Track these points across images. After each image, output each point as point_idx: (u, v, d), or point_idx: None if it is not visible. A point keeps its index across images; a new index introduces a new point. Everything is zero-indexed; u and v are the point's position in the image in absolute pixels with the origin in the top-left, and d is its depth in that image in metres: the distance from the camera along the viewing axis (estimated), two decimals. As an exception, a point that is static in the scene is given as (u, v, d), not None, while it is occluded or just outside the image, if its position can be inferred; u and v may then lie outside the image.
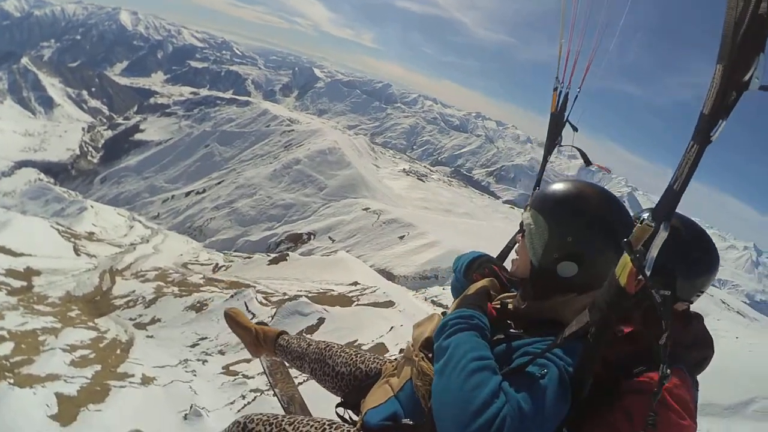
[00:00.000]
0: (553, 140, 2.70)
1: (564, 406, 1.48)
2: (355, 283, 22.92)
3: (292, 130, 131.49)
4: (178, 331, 18.39)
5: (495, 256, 2.43)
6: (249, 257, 52.68)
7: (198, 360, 14.57)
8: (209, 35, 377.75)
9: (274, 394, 3.29)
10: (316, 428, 2.03)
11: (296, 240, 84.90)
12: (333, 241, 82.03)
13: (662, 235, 1.23)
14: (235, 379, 11.98)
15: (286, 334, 3.05)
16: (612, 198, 1.77)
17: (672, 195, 1.19)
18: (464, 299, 1.86)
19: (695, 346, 1.89)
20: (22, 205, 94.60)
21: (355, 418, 2.28)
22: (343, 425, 2.08)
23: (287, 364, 3.14)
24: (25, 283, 29.02)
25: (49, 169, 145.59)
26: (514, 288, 2.03)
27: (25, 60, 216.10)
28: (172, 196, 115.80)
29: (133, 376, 12.76)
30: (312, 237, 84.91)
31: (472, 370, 1.46)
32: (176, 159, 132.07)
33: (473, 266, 2.26)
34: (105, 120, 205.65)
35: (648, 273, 1.26)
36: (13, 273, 30.21)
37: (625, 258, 1.29)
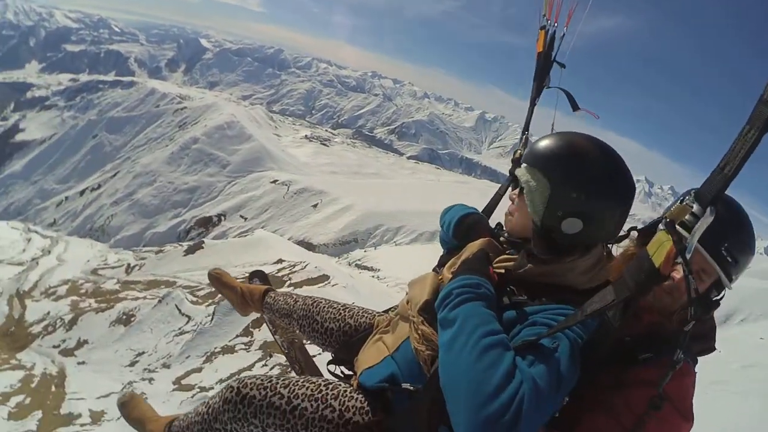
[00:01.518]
0: (541, 81, 2.55)
1: (574, 378, 1.48)
2: (280, 261, 21.95)
3: (185, 107, 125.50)
4: (110, 351, 17.28)
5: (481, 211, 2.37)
6: (161, 251, 50.58)
7: (143, 379, 13.60)
8: (84, 14, 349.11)
9: (275, 341, 3.33)
10: (311, 389, 2.00)
11: (206, 224, 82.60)
12: (245, 219, 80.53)
13: (707, 220, 1.17)
14: (193, 394, 11.03)
15: (273, 291, 3.05)
16: (610, 149, 1.73)
17: (721, 178, 1.12)
18: (465, 264, 1.78)
19: (703, 338, 1.88)
20: None
21: (347, 372, 2.35)
22: (339, 385, 2.05)
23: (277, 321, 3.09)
24: None
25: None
26: (513, 249, 1.95)
27: None
28: (66, 198, 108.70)
29: (80, 416, 11.80)
30: (223, 218, 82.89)
31: (484, 347, 1.41)
32: (64, 156, 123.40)
33: (463, 226, 2.18)
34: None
35: (689, 257, 1.21)
36: None
37: (662, 236, 1.24)
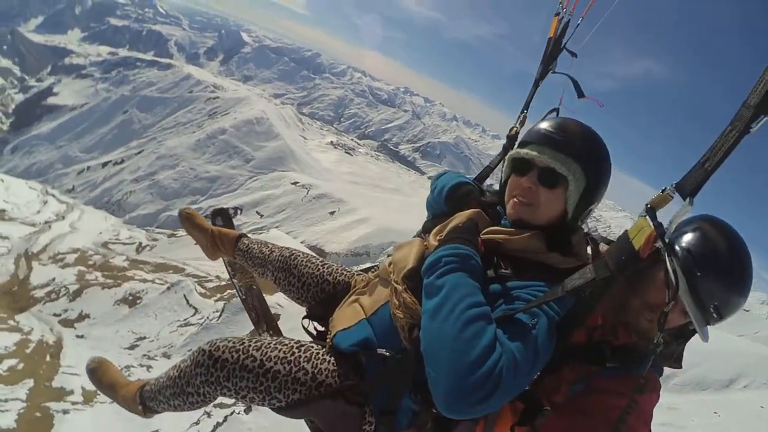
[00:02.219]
0: (547, 65, 2.59)
1: (549, 353, 1.53)
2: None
3: (217, 97, 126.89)
4: (111, 330, 17.20)
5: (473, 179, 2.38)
6: (173, 234, 50.57)
7: (141, 365, 13.63)
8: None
9: (233, 285, 3.23)
10: (284, 352, 1.98)
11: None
12: (261, 216, 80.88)
13: (686, 210, 1.23)
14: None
15: (247, 238, 2.89)
16: (586, 130, 1.86)
17: (701, 173, 1.19)
18: (455, 232, 1.78)
19: (673, 358, 1.92)
20: None
21: (320, 329, 2.31)
22: (312, 347, 2.04)
23: (248, 269, 2.89)
24: None
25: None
26: (506, 223, 1.95)
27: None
28: (88, 167, 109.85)
29: (72, 393, 11.92)
30: (239, 212, 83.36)
31: (469, 318, 1.45)
32: (92, 126, 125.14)
33: (457, 193, 2.16)
34: (16, 81, 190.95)
35: (667, 241, 1.27)
36: None
37: (642, 222, 1.31)
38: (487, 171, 2.47)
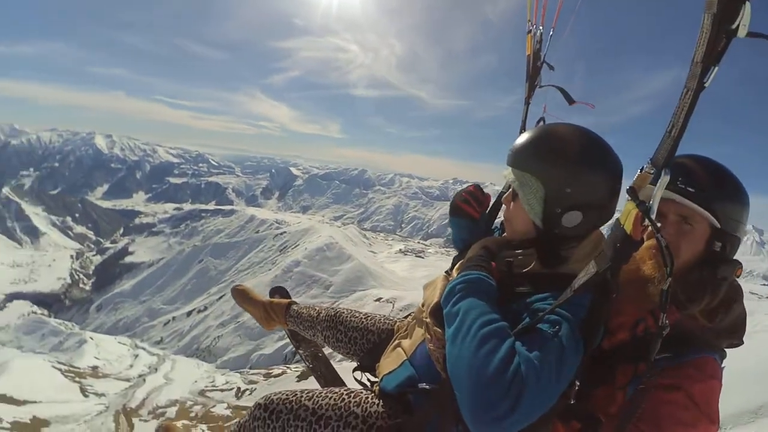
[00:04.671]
0: (532, 83, 2.61)
1: (577, 360, 1.50)
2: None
3: (284, 232, 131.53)
4: None
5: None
6: (269, 373, 50.48)
7: None
8: (184, 150, 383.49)
9: (299, 356, 3.32)
10: (335, 399, 2.06)
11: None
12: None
13: (664, 180, 1.27)
14: None
15: (296, 304, 3.07)
16: (586, 130, 1.78)
17: (669, 141, 1.24)
18: (468, 261, 1.84)
19: (728, 334, 1.79)
20: (18, 341, 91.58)
21: (373, 379, 2.33)
22: (361, 393, 2.10)
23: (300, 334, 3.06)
24: None
25: (41, 300, 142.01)
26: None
27: (6, 190, 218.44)
28: (173, 318, 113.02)
29: None
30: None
31: (483, 336, 1.47)
32: (171, 278, 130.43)
33: (458, 197, 2.32)
34: (92, 245, 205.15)
35: (653, 217, 1.30)
36: (19, 426, 28.13)
37: (629, 206, 1.34)
38: (499, 201, 2.50)
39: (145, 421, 26.24)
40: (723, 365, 1.79)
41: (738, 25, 1.08)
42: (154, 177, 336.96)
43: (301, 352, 3.36)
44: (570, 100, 2.26)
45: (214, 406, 29.44)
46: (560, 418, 1.71)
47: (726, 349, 1.82)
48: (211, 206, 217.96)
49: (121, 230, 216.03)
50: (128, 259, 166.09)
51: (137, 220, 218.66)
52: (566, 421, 1.73)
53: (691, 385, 1.63)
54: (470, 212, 2.25)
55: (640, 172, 1.32)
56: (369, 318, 2.66)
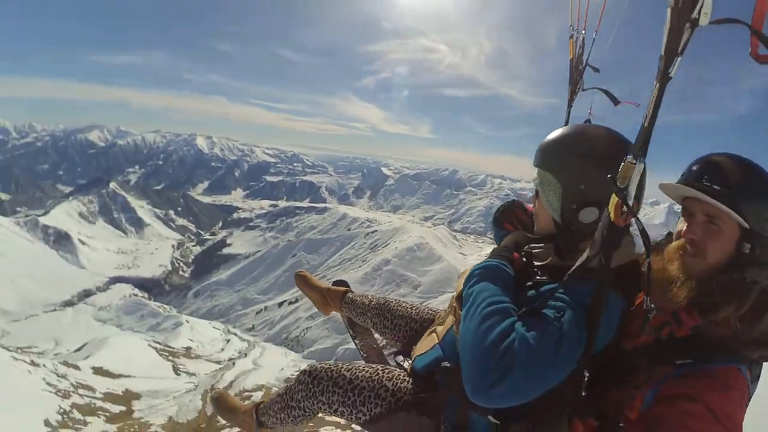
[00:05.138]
0: (575, 86, 2.63)
1: (578, 347, 1.57)
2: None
3: (375, 230, 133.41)
4: None
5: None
6: (352, 368, 51.11)
7: None
8: (279, 150, 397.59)
9: (355, 345, 3.51)
10: (370, 373, 2.28)
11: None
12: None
13: (638, 169, 1.36)
14: None
15: (352, 292, 3.30)
16: (607, 131, 1.87)
17: (643, 132, 1.33)
18: (493, 251, 1.97)
19: (760, 345, 1.69)
20: (118, 320, 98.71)
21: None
22: (395, 371, 2.30)
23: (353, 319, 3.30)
24: (124, 408, 28.78)
25: (142, 284, 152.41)
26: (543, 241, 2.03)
27: (113, 185, 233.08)
28: (265, 308, 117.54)
29: None
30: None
31: (487, 313, 1.59)
32: (266, 270, 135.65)
33: (496, 213, 2.54)
34: (193, 237, 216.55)
35: (630, 203, 1.39)
36: (112, 397, 30.17)
37: (614, 196, 1.43)
38: None
39: None
40: (753, 379, 1.73)
41: (699, 14, 1.12)
42: (252, 175, 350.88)
43: (357, 342, 3.54)
44: (616, 101, 2.26)
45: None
46: (576, 413, 1.72)
47: (762, 362, 1.75)
48: (305, 204, 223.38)
49: (220, 224, 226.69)
50: (226, 250, 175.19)
51: (235, 215, 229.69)
52: (582, 417, 1.73)
53: (710, 396, 1.58)
54: (511, 230, 2.38)
55: (623, 163, 1.39)
56: (414, 308, 2.89)
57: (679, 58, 1.13)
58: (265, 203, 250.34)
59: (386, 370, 2.29)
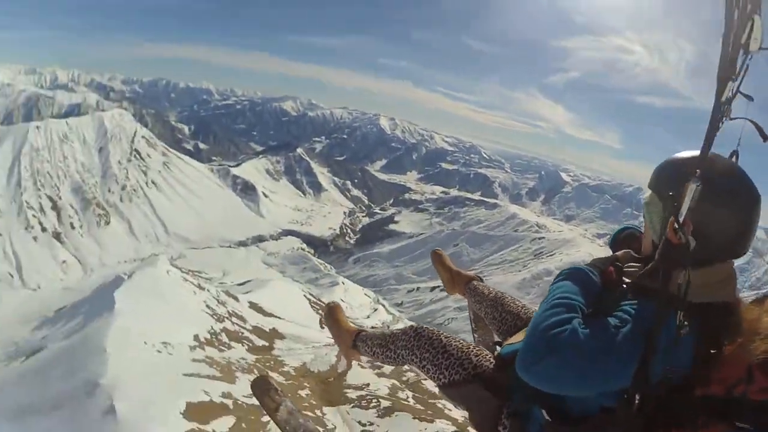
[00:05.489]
0: (720, 113, 2.19)
1: (626, 361, 1.57)
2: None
3: (543, 237, 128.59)
4: None
5: None
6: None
7: None
8: (458, 140, 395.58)
9: (474, 338, 3.71)
10: (463, 345, 2.50)
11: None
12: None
13: (691, 188, 1.43)
14: None
15: (477, 280, 3.55)
16: (731, 164, 1.80)
17: (701, 154, 1.44)
18: (591, 261, 2.05)
19: None
20: (282, 267, 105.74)
21: None
22: (484, 351, 2.49)
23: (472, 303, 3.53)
24: (266, 344, 29.55)
25: (310, 241, 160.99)
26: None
27: (299, 150, 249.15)
28: (418, 288, 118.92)
29: None
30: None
31: (555, 304, 1.72)
32: (425, 253, 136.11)
33: (614, 239, 2.62)
34: (364, 208, 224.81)
35: (681, 220, 1.48)
36: (259, 331, 31.18)
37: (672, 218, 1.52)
38: None
39: (363, 367, 26.92)
40: None
41: (749, 40, 1.12)
42: (428, 160, 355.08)
43: (476, 335, 3.75)
44: (765, 137, 1.98)
45: (425, 379, 29.43)
46: None
47: None
48: (476, 196, 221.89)
49: (391, 201, 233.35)
50: (392, 226, 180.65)
51: (407, 195, 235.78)
52: None
53: None
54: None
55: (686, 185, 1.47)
56: (524, 308, 3.02)
57: (733, 84, 1.17)
58: (437, 189, 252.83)
59: (477, 348, 2.50)
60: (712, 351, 1.65)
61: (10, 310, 51.55)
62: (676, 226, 1.47)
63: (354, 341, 3.09)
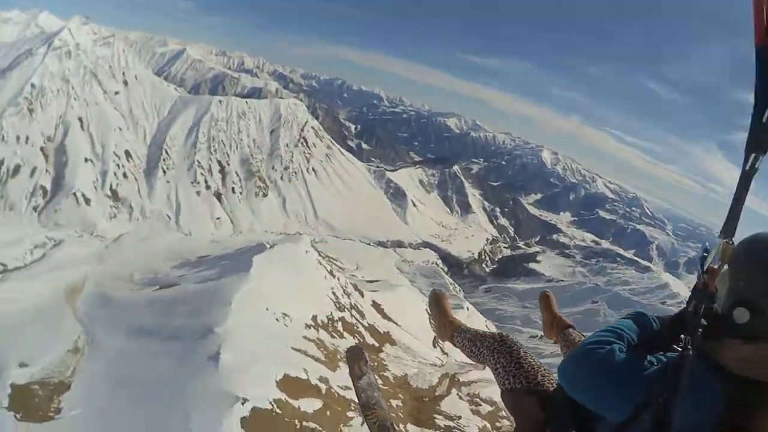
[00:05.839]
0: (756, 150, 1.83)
1: (639, 389, 1.70)
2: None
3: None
4: None
5: None
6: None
7: None
8: (621, 188, 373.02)
9: None
10: (537, 365, 2.73)
11: None
12: None
13: (718, 243, 1.60)
14: None
15: (572, 328, 3.75)
16: None
17: (730, 216, 1.64)
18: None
19: None
20: (413, 276, 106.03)
21: None
22: (552, 375, 2.61)
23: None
24: (377, 344, 29.63)
25: (446, 259, 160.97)
26: None
27: (456, 168, 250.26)
28: (541, 337, 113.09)
29: None
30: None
31: (610, 330, 1.97)
32: (561, 302, 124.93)
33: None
34: (508, 239, 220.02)
35: (702, 272, 1.67)
36: (373, 330, 31.24)
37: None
38: None
39: (461, 398, 25.80)
40: None
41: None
42: (585, 204, 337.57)
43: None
44: None
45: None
46: None
47: None
48: (629, 254, 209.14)
49: (538, 238, 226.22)
50: (532, 265, 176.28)
51: (555, 236, 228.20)
52: None
53: None
54: None
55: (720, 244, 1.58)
56: None
57: (757, 155, 1.27)
58: (589, 237, 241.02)
59: (548, 371, 2.72)
60: (737, 426, 1.58)
61: (160, 246, 56.62)
62: (703, 271, 1.62)
63: (452, 332, 3.47)
